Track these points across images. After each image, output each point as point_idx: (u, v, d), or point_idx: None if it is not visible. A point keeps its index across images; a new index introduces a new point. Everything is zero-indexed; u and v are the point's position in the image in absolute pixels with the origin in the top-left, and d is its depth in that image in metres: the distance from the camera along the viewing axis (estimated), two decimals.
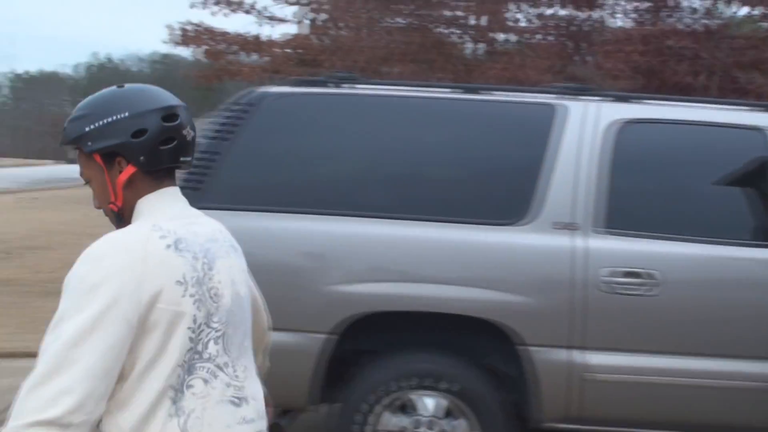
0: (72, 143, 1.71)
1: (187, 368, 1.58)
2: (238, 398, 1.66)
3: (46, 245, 11.13)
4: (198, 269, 1.61)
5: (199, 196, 3.25)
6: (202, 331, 1.60)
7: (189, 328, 1.57)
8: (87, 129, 1.66)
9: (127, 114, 1.64)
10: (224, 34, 12.05)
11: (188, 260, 1.60)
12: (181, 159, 1.71)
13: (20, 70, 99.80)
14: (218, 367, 1.63)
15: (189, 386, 1.58)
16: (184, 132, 1.69)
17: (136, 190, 1.67)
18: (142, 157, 1.64)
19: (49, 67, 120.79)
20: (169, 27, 12.17)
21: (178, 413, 1.56)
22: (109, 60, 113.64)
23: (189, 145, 1.72)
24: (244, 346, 1.74)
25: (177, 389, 1.57)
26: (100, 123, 1.65)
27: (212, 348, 1.62)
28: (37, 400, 1.43)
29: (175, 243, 1.60)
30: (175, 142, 1.67)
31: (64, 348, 1.47)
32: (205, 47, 12.44)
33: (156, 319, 1.54)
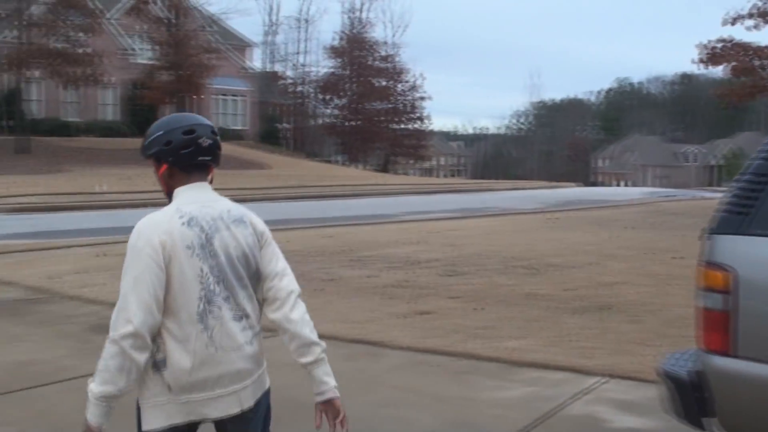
0: (141, 153, 2.71)
1: (207, 301, 2.50)
2: (240, 315, 2.59)
3: (570, 264, 11.51)
4: (202, 238, 2.53)
5: (747, 221, 3.07)
6: (209, 277, 2.51)
7: (197, 275, 2.49)
8: (145, 143, 2.66)
9: (162, 132, 2.62)
10: (760, 48, 11.26)
11: (196, 232, 2.52)
12: (199, 159, 2.61)
13: (546, 98, 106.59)
14: (224, 299, 2.54)
15: (210, 312, 2.51)
16: (200, 141, 2.59)
17: (173, 182, 2.65)
18: (170, 158, 2.60)
19: (573, 94, 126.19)
20: (699, 46, 11.82)
21: (206, 329, 2.50)
22: (630, 84, 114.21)
23: (205, 149, 2.61)
24: (242, 284, 2.60)
25: (202, 314, 2.49)
26: (149, 139, 2.64)
27: (217, 288, 2.53)
28: (117, 322, 2.41)
29: (188, 221, 2.53)
30: (192, 148, 2.58)
31: (126, 293, 2.44)
32: (733, 63, 11.78)
33: (176, 270, 2.46)
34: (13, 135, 36.52)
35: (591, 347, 6.54)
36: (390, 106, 66.00)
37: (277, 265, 2.75)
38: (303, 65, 69.27)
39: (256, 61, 64.00)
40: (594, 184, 78.34)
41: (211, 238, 2.54)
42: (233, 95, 54.63)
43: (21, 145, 34.85)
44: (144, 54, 46.84)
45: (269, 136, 55.07)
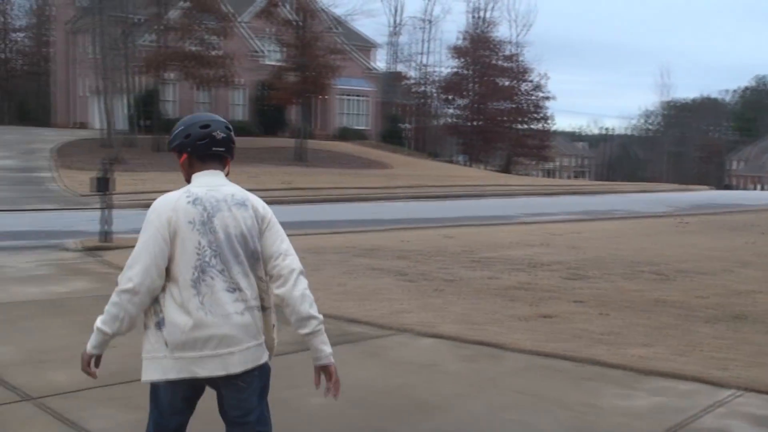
0: (168, 147, 3.19)
1: (201, 270, 2.88)
2: (232, 288, 2.93)
3: (701, 270, 11.06)
4: (204, 216, 2.92)
5: None
6: (206, 250, 2.90)
7: (195, 247, 2.89)
8: (170, 137, 3.10)
9: (182, 127, 3.05)
10: None
11: (199, 210, 2.92)
12: (213, 149, 3.03)
13: (676, 98, 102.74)
14: (219, 271, 2.91)
15: (203, 280, 2.89)
16: (214, 134, 3.01)
17: (191, 170, 3.06)
18: (189, 149, 3.03)
19: (706, 93, 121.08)
20: None
21: (198, 294, 2.88)
22: (765, 84, 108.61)
23: (218, 141, 3.02)
24: (237, 260, 2.95)
25: (195, 281, 2.88)
26: (173, 134, 3.07)
27: (213, 260, 2.91)
28: (122, 279, 2.87)
29: (193, 201, 2.93)
30: (207, 140, 3.01)
31: (134, 254, 2.89)
32: None
33: (179, 241, 2.88)
34: (149, 134, 38.40)
35: (724, 358, 6.24)
36: (513, 106, 65.29)
37: (281, 246, 3.07)
38: (425, 65, 69.52)
39: (380, 61, 64.81)
40: (728, 187, 74.79)
41: (212, 216, 2.94)
42: (357, 95, 55.45)
43: (158, 144, 36.60)
44: (272, 56, 48.27)
45: (391, 136, 55.57)
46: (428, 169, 43.03)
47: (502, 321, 7.64)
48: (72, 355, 6.31)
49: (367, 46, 59.22)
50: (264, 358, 3.06)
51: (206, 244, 2.90)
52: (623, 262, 11.62)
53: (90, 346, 3.01)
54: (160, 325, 2.92)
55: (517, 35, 70.93)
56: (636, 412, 5.08)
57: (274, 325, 3.16)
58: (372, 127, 56.13)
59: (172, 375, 2.90)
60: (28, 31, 73.15)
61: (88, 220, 16.92)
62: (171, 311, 2.89)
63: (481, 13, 68.75)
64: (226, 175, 3.10)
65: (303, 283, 3.05)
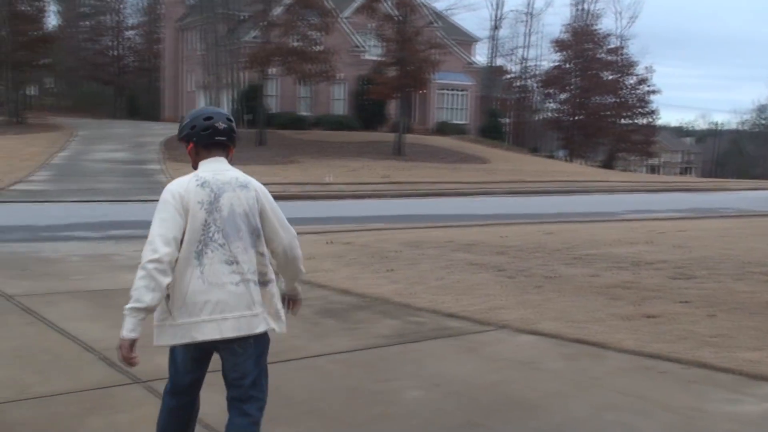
0: (177, 139, 3.58)
1: (204, 244, 3.25)
2: (230, 261, 3.27)
3: None
4: (211, 197, 3.28)
5: None
6: (210, 226, 3.26)
7: (202, 224, 3.25)
8: (179, 129, 3.51)
9: (189, 120, 3.43)
10: None
11: (207, 192, 3.29)
12: (216, 138, 3.39)
13: None
14: (219, 245, 3.26)
15: (205, 253, 3.25)
16: (216, 125, 3.36)
17: (198, 157, 3.43)
18: (195, 138, 3.40)
19: None
20: None
21: (200, 265, 3.25)
22: None
23: (220, 131, 3.38)
24: (238, 236, 3.30)
25: (198, 253, 3.24)
26: (181, 126, 3.47)
27: (216, 236, 3.26)
28: (146, 253, 3.17)
29: (201, 184, 3.29)
30: (210, 130, 3.37)
31: (153, 230, 3.21)
32: None
33: (189, 218, 3.24)
34: (252, 128, 39.33)
35: None
36: (617, 100, 63.59)
37: (284, 221, 3.53)
38: (526, 59, 68.56)
39: (480, 55, 64.28)
40: None
41: (218, 197, 3.31)
42: (456, 90, 55.22)
43: (260, 138, 37.44)
44: (372, 51, 48.60)
45: (490, 131, 55.08)
46: (527, 164, 42.47)
47: (604, 320, 7.45)
48: None
49: (467, 40, 58.88)
50: (260, 328, 3.38)
51: (212, 221, 3.28)
52: (732, 263, 11.15)
53: (126, 331, 3.16)
54: (167, 296, 3.29)
55: (622, 27, 69.14)
56: (746, 418, 4.86)
57: (275, 295, 3.52)
58: (471, 121, 55.79)
59: (176, 341, 3.31)
60: (139, 29, 76.12)
61: None
62: (176, 279, 3.26)
63: (585, 6, 67.29)
64: (230, 161, 3.48)
65: (299, 249, 3.60)
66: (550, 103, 68.49)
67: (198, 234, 3.26)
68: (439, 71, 43.08)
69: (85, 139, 37.75)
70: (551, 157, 60.54)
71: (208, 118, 3.39)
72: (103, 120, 54.13)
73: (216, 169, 3.39)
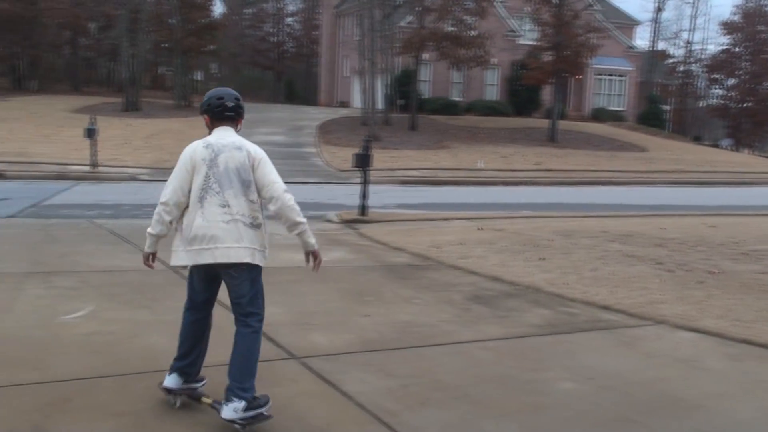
0: (200, 113, 4.53)
1: (205, 190, 4.19)
2: (223, 204, 4.19)
3: None
4: (212, 155, 4.23)
5: None
6: (210, 178, 4.20)
7: (204, 175, 4.20)
8: (200, 105, 4.49)
9: (206, 99, 4.39)
10: None
11: (209, 152, 4.24)
12: (226, 114, 4.37)
13: None
14: (216, 192, 4.19)
15: (205, 197, 4.20)
16: (227, 103, 4.35)
17: (212, 126, 4.40)
18: (209, 114, 4.38)
19: None
20: None
21: (201, 207, 4.20)
22: None
23: (229, 108, 4.36)
24: (230, 186, 4.22)
25: (200, 198, 4.19)
26: (201, 103, 4.45)
27: (214, 185, 4.20)
28: (161, 196, 4.25)
29: (206, 146, 4.26)
30: (221, 107, 4.34)
31: (168, 180, 4.28)
32: None
33: (195, 171, 4.22)
34: (405, 113, 39.66)
35: None
36: None
37: (270, 176, 4.32)
38: (691, 43, 65.23)
39: (640, 39, 61.73)
40: None
41: (217, 156, 4.28)
42: (614, 75, 53.36)
43: (413, 123, 37.72)
44: (527, 35, 47.76)
45: (650, 118, 52.83)
46: (689, 153, 40.45)
47: None
48: (332, 320, 6.72)
49: (627, 23, 56.68)
50: (247, 258, 4.24)
51: (211, 174, 4.25)
52: None
53: (146, 247, 4.44)
54: (180, 228, 4.33)
55: None
56: None
57: (264, 236, 4.38)
58: (629, 108, 53.76)
59: (184, 263, 4.29)
60: (298, 15, 78.47)
61: (346, 194, 17.88)
62: (185, 217, 4.30)
63: None
64: (238, 130, 4.46)
65: (290, 200, 4.33)
66: (715, 89, 64.93)
67: (201, 183, 4.25)
68: (596, 56, 41.73)
69: (246, 122, 38.65)
70: (715, 146, 57.31)
71: (220, 98, 4.41)
72: (262, 104, 56.31)
73: (221, 135, 4.37)
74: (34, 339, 5.75)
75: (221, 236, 4.19)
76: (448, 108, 45.97)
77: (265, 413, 4.24)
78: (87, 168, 20.31)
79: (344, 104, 53.83)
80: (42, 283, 7.57)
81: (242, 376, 4.27)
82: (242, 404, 4.18)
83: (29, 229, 11.22)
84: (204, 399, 4.52)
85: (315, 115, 42.75)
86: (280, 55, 74.22)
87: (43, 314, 6.44)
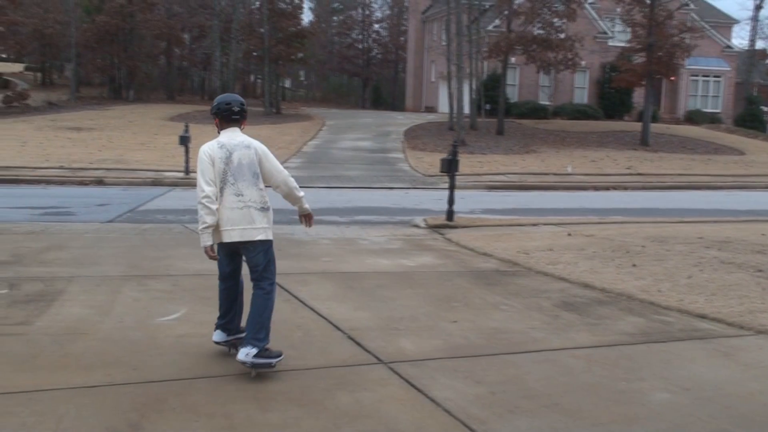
0: (210, 113, 5.59)
1: (224, 183, 5.21)
2: (238, 194, 5.22)
3: None
4: (226, 153, 5.22)
5: None
6: (227, 172, 5.21)
7: (221, 172, 5.20)
8: (210, 109, 5.57)
9: (215, 103, 5.42)
10: None
11: (224, 151, 5.24)
12: (233, 117, 5.38)
13: None
14: (231, 184, 5.21)
15: (224, 189, 5.22)
16: (233, 108, 5.36)
17: (220, 128, 5.40)
18: (219, 116, 5.39)
19: None
20: None
21: (222, 196, 5.21)
22: None
23: (236, 112, 5.36)
24: (243, 178, 5.21)
25: (221, 189, 5.20)
26: (212, 107, 5.48)
27: (229, 178, 5.21)
28: (198, 194, 5.18)
29: (221, 146, 5.25)
30: (228, 112, 5.35)
31: (199, 179, 5.23)
32: None
33: (214, 167, 5.20)
34: (492, 117, 39.35)
35: None
36: None
37: (276, 167, 5.40)
38: None
39: (738, 39, 59.50)
40: None
41: (230, 154, 5.24)
42: (710, 76, 51.64)
43: (501, 127, 37.39)
44: (618, 37, 46.70)
45: (748, 120, 50.84)
46: None
47: None
48: (419, 326, 6.70)
49: (724, 22, 54.75)
50: (258, 236, 5.27)
51: (227, 169, 5.23)
52: None
53: (204, 241, 5.20)
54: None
55: None
56: None
57: (271, 217, 5.43)
58: (725, 109, 51.89)
59: (211, 242, 5.21)
60: (384, 22, 78.97)
61: (432, 199, 17.84)
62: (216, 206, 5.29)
63: None
64: (242, 129, 5.44)
65: (292, 182, 5.49)
66: None
67: (220, 177, 5.22)
68: (691, 56, 40.46)
69: (333, 128, 39.82)
70: None
71: (228, 104, 5.40)
72: (349, 110, 56.81)
73: (230, 136, 5.35)
74: (131, 340, 5.94)
75: (236, 219, 5.21)
76: (536, 112, 45.39)
77: (273, 363, 5.19)
78: (181, 174, 20.90)
79: (431, 109, 53.82)
80: (138, 286, 7.83)
81: (256, 328, 5.21)
82: (254, 350, 5.13)
83: (126, 233, 11.62)
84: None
85: (401, 121, 42.87)
86: (367, 62, 74.81)
87: (139, 316, 6.65)
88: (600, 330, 6.73)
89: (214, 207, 5.12)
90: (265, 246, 5.32)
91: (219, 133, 5.38)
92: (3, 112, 42.18)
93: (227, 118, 5.36)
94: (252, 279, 5.34)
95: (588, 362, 5.76)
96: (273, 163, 5.39)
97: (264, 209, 5.30)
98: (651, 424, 4.58)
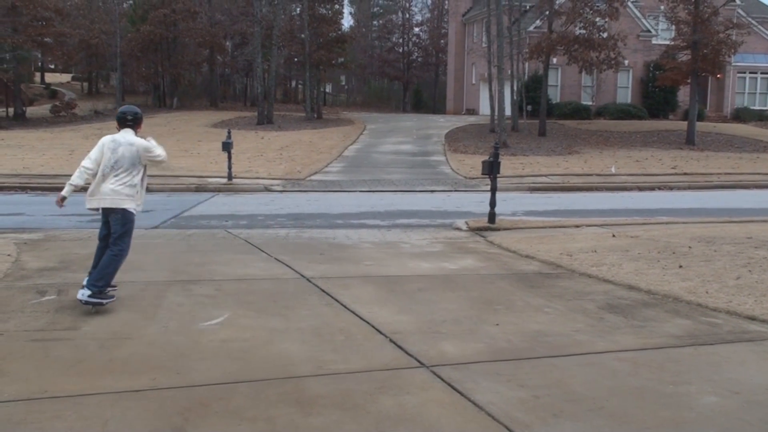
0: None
1: (107, 167, 7.20)
2: (115, 176, 7.21)
3: None
4: (115, 146, 7.27)
5: None
6: (111, 160, 7.20)
7: (109, 159, 7.22)
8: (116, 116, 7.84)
9: (118, 112, 7.59)
10: None
11: (114, 144, 7.28)
12: (127, 123, 7.41)
13: None
14: (111, 167, 7.20)
15: (106, 172, 7.20)
16: (127, 117, 7.44)
17: (119, 129, 7.42)
18: (118, 122, 7.45)
19: None
20: None
21: (103, 177, 7.20)
22: None
23: (128, 120, 7.42)
24: (123, 166, 7.21)
25: (105, 173, 7.21)
26: (116, 115, 7.70)
27: (113, 164, 7.20)
28: (81, 165, 7.31)
29: (113, 140, 7.32)
30: (123, 119, 7.44)
31: (90, 154, 7.35)
32: None
33: (103, 155, 7.27)
34: (533, 119, 39.06)
35: None
36: None
37: (152, 159, 7.32)
38: None
39: None
40: None
41: (117, 147, 7.16)
42: (758, 72, 50.61)
43: (541, 128, 37.10)
44: (662, 35, 46.03)
45: None
46: None
47: None
48: (461, 329, 6.66)
49: None
50: (122, 205, 7.12)
51: (113, 158, 7.11)
52: None
53: (64, 192, 7.22)
54: (90, 189, 7.20)
55: None
56: None
57: (139, 193, 7.31)
58: None
59: (67, 195, 7.15)
60: (425, 25, 78.96)
61: (474, 201, 17.75)
62: (93, 183, 7.13)
63: None
64: (136, 134, 7.30)
65: (158, 159, 7.36)
66: None
67: (105, 163, 7.10)
68: (738, 53, 39.71)
69: (374, 132, 39.91)
70: None
71: (124, 113, 7.38)
72: (390, 114, 56.88)
73: (123, 135, 7.25)
74: (175, 345, 6.00)
75: (108, 193, 7.07)
76: (578, 112, 44.96)
77: (104, 303, 6.95)
78: (224, 180, 21.12)
79: (472, 112, 53.64)
80: (182, 291, 7.92)
81: (97, 276, 6.97)
82: (88, 292, 6.87)
83: (170, 239, 11.76)
84: None
85: (442, 124, 42.79)
86: (408, 65, 74.85)
87: (183, 321, 6.72)
88: (646, 332, 6.62)
89: (86, 176, 7.13)
90: (126, 215, 7.13)
91: (118, 131, 7.34)
92: (51, 121, 43.07)
93: (122, 123, 7.34)
94: (110, 242, 7.16)
95: (633, 365, 5.66)
96: (150, 155, 7.30)
97: (132, 187, 7.16)
98: (699, 428, 4.48)
